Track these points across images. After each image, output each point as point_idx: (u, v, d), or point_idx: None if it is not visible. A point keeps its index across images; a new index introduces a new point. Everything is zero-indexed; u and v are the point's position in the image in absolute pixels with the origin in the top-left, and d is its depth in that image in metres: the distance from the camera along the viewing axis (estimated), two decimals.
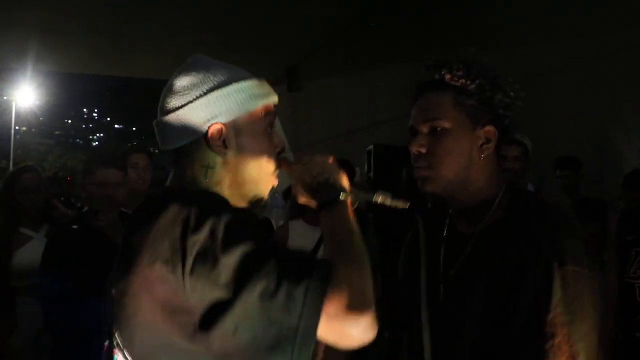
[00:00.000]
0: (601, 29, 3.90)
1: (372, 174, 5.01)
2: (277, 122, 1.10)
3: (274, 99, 1.06)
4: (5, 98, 24.65)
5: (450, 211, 1.22)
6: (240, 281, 0.82)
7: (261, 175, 1.04)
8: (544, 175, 3.66)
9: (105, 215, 2.20)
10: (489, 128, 1.12)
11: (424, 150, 1.12)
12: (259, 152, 1.02)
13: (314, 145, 6.52)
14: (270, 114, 1.05)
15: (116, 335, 0.93)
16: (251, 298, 0.81)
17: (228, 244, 0.84)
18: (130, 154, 2.86)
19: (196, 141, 1.00)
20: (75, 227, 2.30)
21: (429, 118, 1.12)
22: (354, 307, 0.83)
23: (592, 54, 3.99)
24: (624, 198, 3.28)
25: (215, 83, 1.00)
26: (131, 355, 0.91)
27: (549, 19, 3.91)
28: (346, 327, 0.83)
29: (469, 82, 1.10)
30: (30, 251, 2.68)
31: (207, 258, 0.83)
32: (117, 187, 2.24)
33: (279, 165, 1.06)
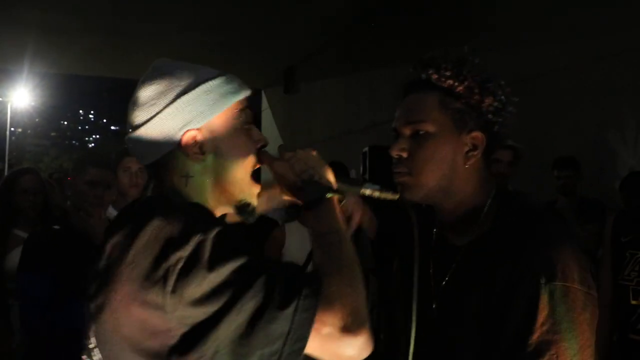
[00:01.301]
0: (600, 30, 3.91)
1: (367, 176, 5.02)
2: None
3: (245, 93, 0.99)
4: (0, 99, 24.57)
5: (438, 218, 1.15)
6: (227, 301, 0.77)
7: (244, 176, 0.98)
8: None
9: (91, 215, 2.16)
10: (476, 134, 1.04)
11: (404, 155, 1.05)
12: (237, 152, 0.97)
13: (312, 146, 6.50)
14: (244, 109, 0.98)
15: (95, 351, 0.88)
16: (236, 320, 0.77)
17: (214, 261, 0.79)
18: (122, 157, 2.79)
19: (171, 152, 0.94)
20: (56, 227, 2.23)
21: (412, 120, 1.05)
22: (348, 326, 0.79)
23: (590, 54, 4.00)
24: (623, 200, 3.29)
25: (181, 88, 0.94)
26: None
27: (548, 19, 3.93)
28: (341, 348, 0.79)
29: (456, 83, 1.03)
30: None
31: (191, 276, 0.78)
32: (107, 189, 2.21)
33: (259, 161, 1.00)
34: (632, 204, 3.09)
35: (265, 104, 9.98)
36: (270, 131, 8.97)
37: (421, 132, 1.04)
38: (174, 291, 0.78)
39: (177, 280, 0.78)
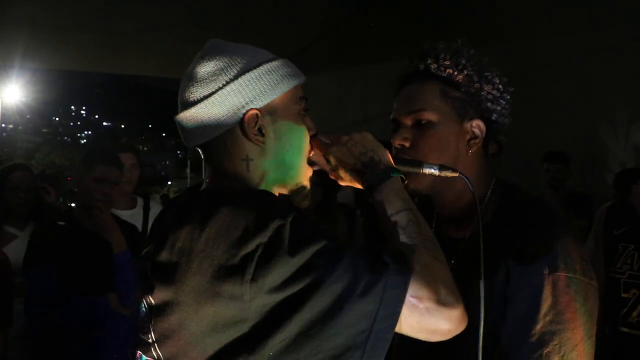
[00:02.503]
0: (592, 25, 3.93)
1: None
2: None
3: (303, 78, 0.97)
4: None
5: (435, 212, 1.15)
6: (311, 283, 0.74)
7: (302, 160, 0.97)
8: None
9: (101, 211, 2.16)
10: (477, 122, 1.05)
11: (407, 144, 1.05)
12: (296, 138, 0.94)
13: None
14: (303, 94, 0.97)
15: (155, 346, 0.84)
16: (322, 301, 0.74)
17: (296, 245, 0.76)
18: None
19: (230, 131, 0.90)
20: (61, 223, 2.24)
21: (413, 109, 1.05)
22: (444, 299, 0.77)
23: (582, 49, 4.03)
24: (616, 197, 3.30)
25: (243, 65, 0.91)
26: None
27: (541, 14, 3.94)
28: (439, 322, 0.77)
29: (456, 73, 1.04)
30: (14, 250, 2.65)
31: (273, 262, 0.75)
32: (115, 186, 2.22)
33: (312, 149, 0.99)
34: (625, 198, 3.10)
35: None
36: None
37: (423, 122, 1.05)
38: (254, 279, 0.75)
39: (257, 268, 0.75)
